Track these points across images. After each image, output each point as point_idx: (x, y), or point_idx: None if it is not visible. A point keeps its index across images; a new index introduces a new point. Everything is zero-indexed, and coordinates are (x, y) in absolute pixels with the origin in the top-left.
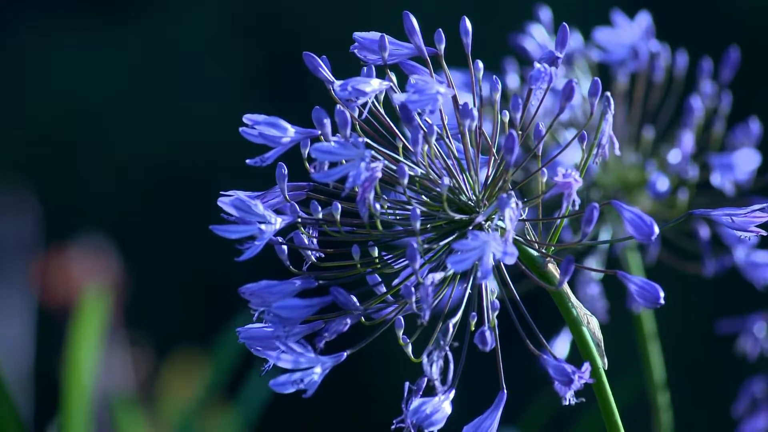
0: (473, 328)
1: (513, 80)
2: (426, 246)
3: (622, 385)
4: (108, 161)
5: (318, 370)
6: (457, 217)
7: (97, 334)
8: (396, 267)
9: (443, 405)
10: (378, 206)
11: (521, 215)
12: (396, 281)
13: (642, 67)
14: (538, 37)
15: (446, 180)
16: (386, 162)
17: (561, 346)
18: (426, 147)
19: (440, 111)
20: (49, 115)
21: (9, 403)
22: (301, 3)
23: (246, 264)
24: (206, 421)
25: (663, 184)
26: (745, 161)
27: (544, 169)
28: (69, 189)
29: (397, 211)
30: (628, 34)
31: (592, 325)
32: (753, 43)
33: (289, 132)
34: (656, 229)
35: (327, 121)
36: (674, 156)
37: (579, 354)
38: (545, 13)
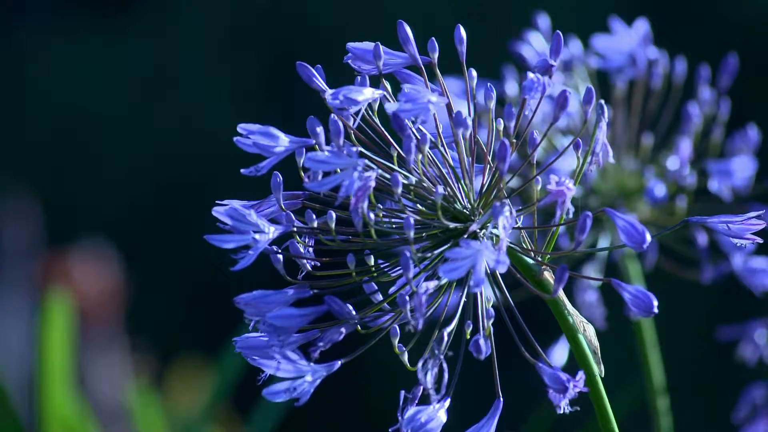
0: (468, 337)
1: (512, 87)
2: (420, 255)
3: (622, 395)
4: (108, 165)
5: (309, 378)
6: (452, 225)
7: (66, 337)
8: (391, 275)
9: (438, 413)
10: (372, 215)
11: (516, 223)
12: (391, 290)
13: (640, 74)
14: (535, 44)
15: (440, 188)
16: (380, 171)
17: (559, 354)
18: (420, 156)
19: (435, 119)
20: (49, 119)
21: (9, 409)
22: (301, 9)
23: (251, 268)
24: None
25: (660, 190)
26: (743, 168)
27: (539, 177)
28: (70, 193)
29: (392, 220)
30: (626, 40)
31: (588, 333)
32: (752, 49)
33: (283, 141)
34: (648, 237)
35: (321, 131)
36: (673, 163)
37: (577, 362)
38: (543, 21)
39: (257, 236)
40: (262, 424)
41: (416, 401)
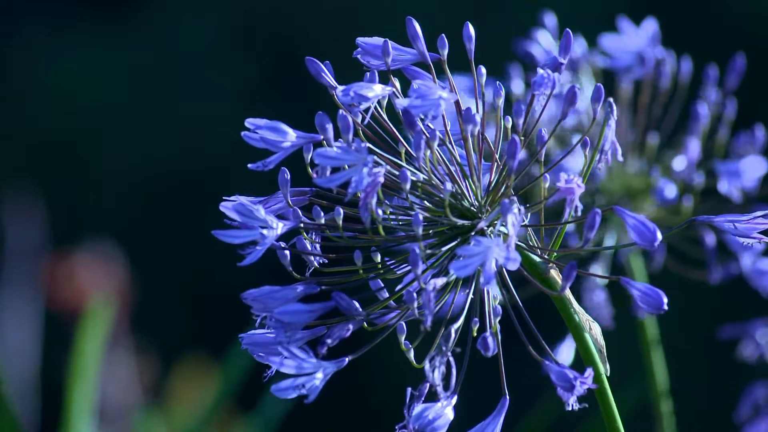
0: (475, 334)
1: (518, 86)
2: (428, 251)
3: (625, 392)
4: (112, 167)
5: (320, 375)
6: (460, 222)
7: (100, 342)
8: (399, 272)
9: (446, 411)
10: (380, 212)
11: (524, 221)
12: (398, 287)
13: (648, 74)
14: (543, 42)
15: (449, 185)
16: (389, 167)
17: (566, 352)
18: (428, 152)
19: (443, 116)
20: (53, 120)
21: (8, 411)
22: (302, 8)
23: (252, 268)
24: (218, 430)
25: (671, 191)
26: (752, 168)
27: (547, 175)
28: (74, 194)
29: (399, 217)
30: (634, 40)
31: (594, 332)
32: (759, 50)
33: (291, 136)
34: (659, 236)
35: (329, 126)
36: (679, 163)
37: (583, 360)
38: (550, 19)
39: (265, 232)
40: (265, 422)
41: (422, 398)
